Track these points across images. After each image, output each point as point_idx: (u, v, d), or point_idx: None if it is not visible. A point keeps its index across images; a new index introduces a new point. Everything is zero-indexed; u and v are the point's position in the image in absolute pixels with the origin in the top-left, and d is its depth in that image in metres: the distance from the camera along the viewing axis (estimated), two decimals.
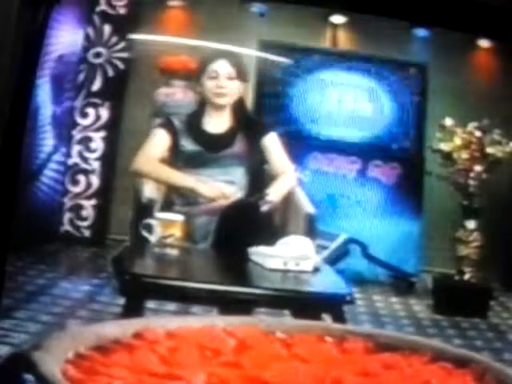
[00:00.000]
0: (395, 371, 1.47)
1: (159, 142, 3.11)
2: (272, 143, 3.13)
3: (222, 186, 3.03)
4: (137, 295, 2.40)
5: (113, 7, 5.33)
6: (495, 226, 5.09)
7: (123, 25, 5.32)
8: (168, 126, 3.13)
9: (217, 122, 3.14)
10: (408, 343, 1.59)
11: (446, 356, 1.53)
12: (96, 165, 5.37)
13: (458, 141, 4.52)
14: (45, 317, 3.48)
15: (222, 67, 3.08)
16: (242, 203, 2.97)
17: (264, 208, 2.93)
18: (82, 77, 5.31)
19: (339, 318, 2.37)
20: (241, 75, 3.10)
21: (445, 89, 5.38)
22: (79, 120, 5.35)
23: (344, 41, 5.65)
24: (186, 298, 2.56)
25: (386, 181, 5.33)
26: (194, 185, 3.01)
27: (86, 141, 5.37)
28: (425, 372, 1.47)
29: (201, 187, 3.01)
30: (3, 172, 1.88)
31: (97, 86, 5.33)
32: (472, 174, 4.49)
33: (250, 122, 3.23)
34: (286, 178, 3.10)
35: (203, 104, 3.15)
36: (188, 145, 3.10)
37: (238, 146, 3.11)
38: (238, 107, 3.16)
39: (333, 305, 2.43)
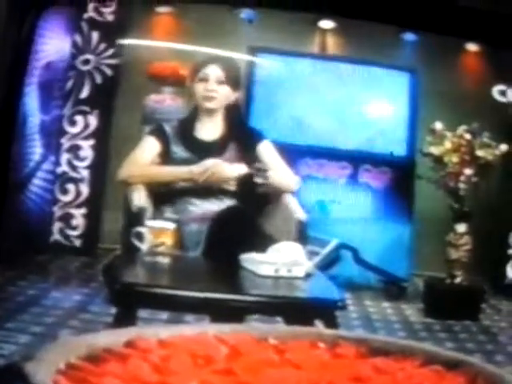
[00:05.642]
0: (388, 375, 1.47)
1: (148, 149, 3.10)
2: (267, 151, 3.13)
3: (214, 162, 3.00)
4: (128, 304, 2.39)
5: (101, 14, 5.33)
6: (485, 230, 5.10)
7: (111, 31, 5.32)
8: (159, 132, 3.12)
9: (209, 129, 3.13)
10: (400, 347, 1.59)
11: (438, 359, 1.53)
12: (85, 173, 5.36)
13: (448, 144, 4.53)
14: (36, 327, 3.46)
15: (212, 71, 3.07)
16: (233, 210, 2.96)
17: (258, 180, 2.93)
18: (70, 84, 5.30)
19: (331, 323, 2.37)
20: (231, 81, 3.09)
21: (434, 92, 5.40)
22: (68, 128, 5.34)
23: (333, 46, 5.67)
24: (178, 307, 2.55)
25: (376, 185, 5.34)
26: (188, 170, 2.99)
27: (74, 149, 5.35)
28: (417, 376, 1.47)
29: (194, 170, 2.98)
30: None
31: (85, 93, 5.33)
32: (462, 178, 4.50)
33: (243, 130, 3.23)
34: (286, 176, 3.10)
35: (195, 110, 3.14)
36: (179, 151, 3.09)
37: (230, 153, 3.10)
38: (232, 114, 3.15)
39: (325, 310, 2.43)
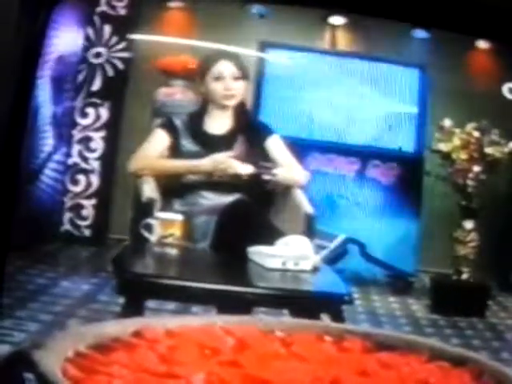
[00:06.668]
0: (393, 370, 1.47)
1: (158, 141, 3.12)
2: (276, 145, 3.13)
3: (221, 156, 3.02)
4: (136, 294, 2.41)
5: (113, 8, 5.34)
6: (493, 226, 5.10)
7: (123, 25, 5.33)
8: (168, 126, 3.13)
9: (218, 123, 3.14)
10: (406, 342, 1.60)
11: (443, 355, 1.53)
12: (96, 164, 5.38)
13: (456, 141, 4.53)
14: (45, 316, 3.49)
15: (226, 68, 3.07)
16: (242, 203, 2.97)
17: (266, 178, 2.94)
18: (81, 77, 5.32)
19: (338, 317, 2.38)
20: (244, 74, 3.11)
21: (444, 89, 5.39)
22: (79, 120, 5.36)
23: (343, 42, 5.66)
24: (186, 298, 2.57)
25: (384, 181, 5.34)
26: (197, 164, 3.01)
27: (85, 140, 5.38)
28: (422, 371, 1.48)
29: (203, 163, 3.00)
30: (4, 172, 1.89)
31: (97, 85, 5.35)
32: (470, 175, 4.50)
33: (252, 124, 3.23)
34: (295, 170, 3.11)
35: (205, 104, 3.15)
36: (188, 145, 3.10)
37: (239, 147, 3.11)
38: (240, 109, 3.16)
39: (331, 304, 2.44)
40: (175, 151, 3.10)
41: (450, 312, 4.42)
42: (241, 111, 3.16)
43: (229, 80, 3.06)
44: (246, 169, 2.99)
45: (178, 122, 3.13)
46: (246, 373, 1.39)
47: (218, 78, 3.06)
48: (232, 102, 3.09)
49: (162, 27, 5.53)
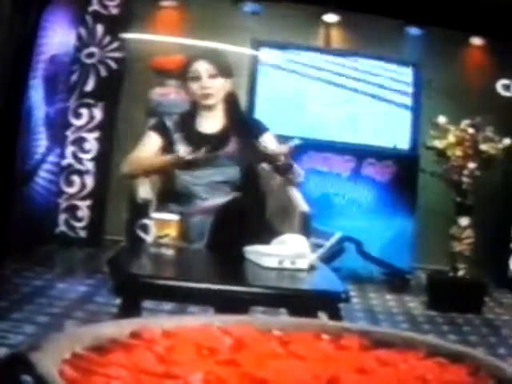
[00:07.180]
0: (391, 367, 1.47)
1: (150, 144, 3.10)
2: (269, 143, 3.12)
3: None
4: (133, 295, 2.40)
5: (105, 7, 5.34)
6: (488, 223, 5.11)
7: (116, 25, 5.33)
8: (160, 127, 3.12)
9: (210, 122, 3.13)
10: (403, 339, 1.60)
11: (440, 352, 1.53)
12: (90, 165, 5.38)
13: (451, 138, 4.54)
14: (42, 318, 3.48)
15: (201, 67, 3.06)
16: (237, 202, 2.97)
17: (264, 149, 2.91)
18: (74, 77, 5.31)
19: (335, 315, 2.38)
20: (223, 72, 3.08)
21: (438, 86, 5.40)
22: (73, 120, 5.36)
23: (337, 39, 5.67)
24: (182, 298, 2.56)
25: (380, 179, 5.35)
26: (176, 154, 3.00)
27: (79, 141, 5.37)
28: (420, 368, 1.48)
29: (181, 152, 3.00)
30: None
31: (90, 86, 5.34)
32: (465, 171, 4.51)
33: (245, 122, 3.22)
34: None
35: (195, 104, 3.14)
36: (181, 145, 3.09)
37: (232, 145, 3.10)
38: (231, 105, 3.15)
39: (328, 302, 2.44)
40: (168, 152, 3.09)
41: (447, 308, 4.43)
42: (232, 108, 3.15)
43: (205, 79, 3.04)
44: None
45: (169, 122, 3.12)
46: (243, 372, 1.39)
47: (194, 78, 3.05)
48: (210, 101, 3.07)
49: (155, 26, 5.52)
